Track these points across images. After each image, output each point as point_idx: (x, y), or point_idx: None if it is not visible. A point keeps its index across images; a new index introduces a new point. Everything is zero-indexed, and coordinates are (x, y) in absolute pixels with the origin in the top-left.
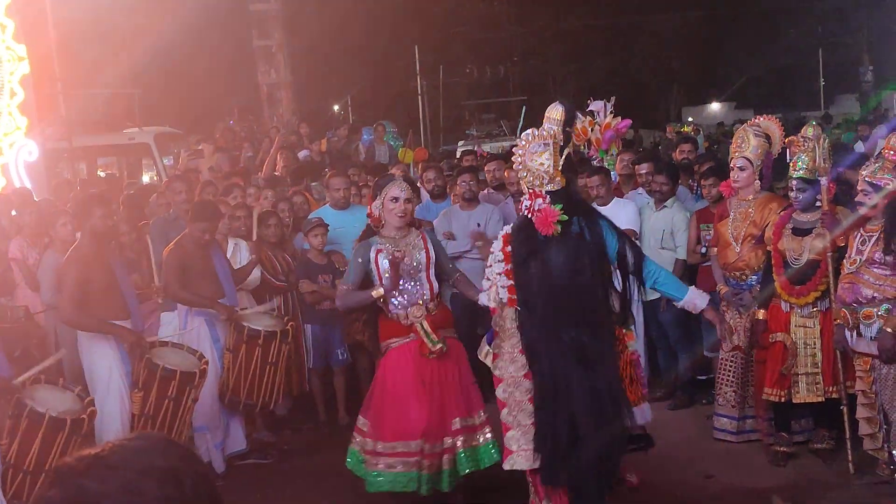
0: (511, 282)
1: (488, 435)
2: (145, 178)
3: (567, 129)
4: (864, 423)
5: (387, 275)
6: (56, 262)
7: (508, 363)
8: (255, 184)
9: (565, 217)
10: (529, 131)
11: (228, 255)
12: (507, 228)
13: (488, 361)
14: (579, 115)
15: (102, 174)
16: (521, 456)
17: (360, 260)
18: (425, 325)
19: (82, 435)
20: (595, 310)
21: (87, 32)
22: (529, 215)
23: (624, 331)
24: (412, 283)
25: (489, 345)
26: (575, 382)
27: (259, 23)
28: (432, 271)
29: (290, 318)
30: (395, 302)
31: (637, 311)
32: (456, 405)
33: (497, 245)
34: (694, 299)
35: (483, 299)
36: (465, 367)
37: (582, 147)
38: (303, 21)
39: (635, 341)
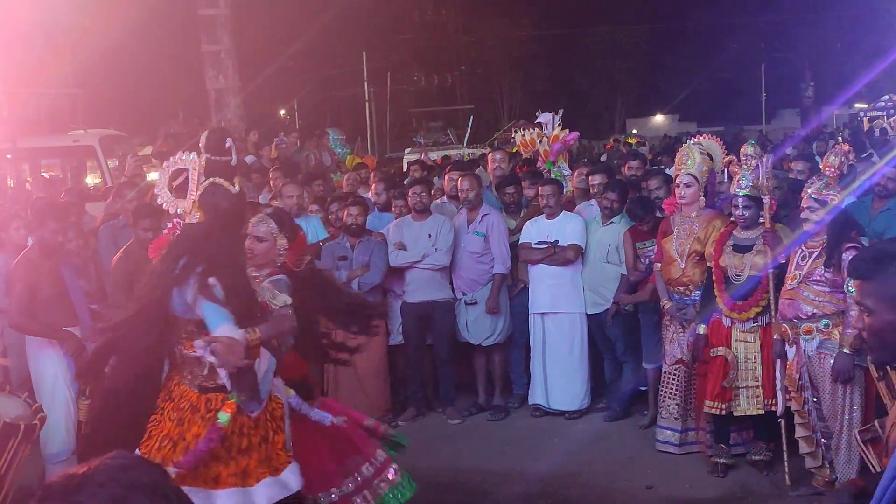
0: None
1: None
2: (89, 181)
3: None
4: (802, 442)
5: None
6: (6, 265)
7: None
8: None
9: None
10: None
11: None
12: None
13: None
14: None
15: (46, 175)
16: None
17: None
18: None
19: (32, 441)
20: None
21: (31, 32)
22: None
23: None
24: None
25: None
26: None
27: (207, 28)
28: None
29: None
30: None
31: None
32: None
33: None
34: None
35: None
36: None
37: (529, 157)
38: (251, 26)
39: None
